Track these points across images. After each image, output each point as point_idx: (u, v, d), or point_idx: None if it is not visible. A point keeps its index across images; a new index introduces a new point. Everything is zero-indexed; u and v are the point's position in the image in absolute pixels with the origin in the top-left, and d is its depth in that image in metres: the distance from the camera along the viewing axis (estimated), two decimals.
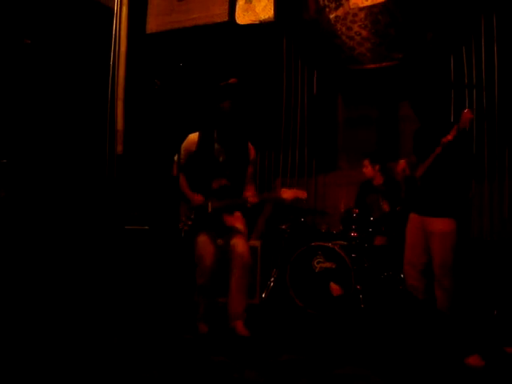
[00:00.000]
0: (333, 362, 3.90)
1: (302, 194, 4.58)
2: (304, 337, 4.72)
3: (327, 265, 5.65)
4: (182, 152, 4.66)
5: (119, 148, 6.76)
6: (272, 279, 6.02)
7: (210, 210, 4.64)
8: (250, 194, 4.72)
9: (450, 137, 4.28)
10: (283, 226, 6.19)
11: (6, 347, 3.97)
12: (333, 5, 6.45)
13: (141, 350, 4.13)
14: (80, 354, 3.95)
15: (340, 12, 6.42)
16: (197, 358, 4.00)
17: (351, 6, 6.27)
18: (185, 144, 4.72)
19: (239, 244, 4.68)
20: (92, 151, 6.66)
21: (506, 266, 5.38)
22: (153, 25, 7.21)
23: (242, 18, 6.66)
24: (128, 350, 4.11)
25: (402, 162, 4.68)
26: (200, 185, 4.70)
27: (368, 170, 6.27)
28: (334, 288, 5.50)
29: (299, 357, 4.02)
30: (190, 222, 4.64)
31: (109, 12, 6.95)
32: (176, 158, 4.74)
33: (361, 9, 6.23)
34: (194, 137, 4.75)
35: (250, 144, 4.90)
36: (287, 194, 4.55)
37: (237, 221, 4.78)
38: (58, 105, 6.38)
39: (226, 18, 6.73)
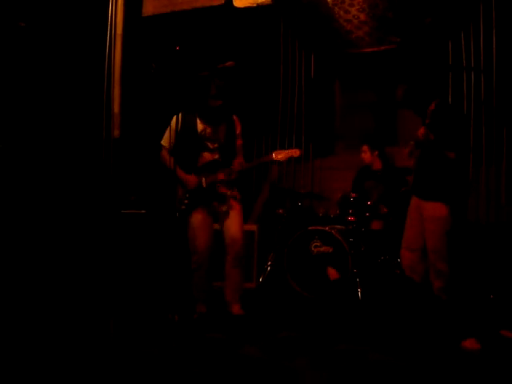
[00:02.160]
0: (331, 340, 3.93)
1: (295, 153, 4.69)
2: (301, 318, 4.76)
3: (324, 249, 5.66)
4: (168, 133, 4.74)
5: (116, 132, 6.73)
6: (269, 263, 6.03)
7: (204, 185, 4.68)
8: (241, 161, 4.78)
9: (422, 130, 4.34)
10: (280, 210, 6.20)
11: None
12: None
13: (139, 332, 4.16)
14: (77, 336, 3.97)
15: None
16: (196, 335, 4.03)
17: None
18: (170, 125, 4.75)
19: (233, 228, 4.72)
20: (88, 135, 6.63)
21: (502, 250, 5.39)
22: (149, 7, 7.15)
23: (240, 0, 6.61)
24: (125, 332, 4.13)
25: (411, 145, 4.65)
26: (189, 162, 4.72)
27: (367, 155, 6.27)
28: (331, 272, 5.51)
29: (298, 334, 4.04)
30: (186, 201, 4.66)
31: None
32: (163, 142, 4.78)
33: None
34: (174, 118, 4.74)
35: (235, 117, 4.93)
36: (280, 155, 4.66)
37: (233, 203, 4.80)
38: (54, 88, 6.34)
39: (222, 1, 6.68)
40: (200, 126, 4.77)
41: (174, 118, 4.73)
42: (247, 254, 5.47)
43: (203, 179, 4.67)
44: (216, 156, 4.74)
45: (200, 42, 6.96)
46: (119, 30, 6.77)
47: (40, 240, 5.82)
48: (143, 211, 6.03)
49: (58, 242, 5.94)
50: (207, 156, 4.74)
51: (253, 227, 6.20)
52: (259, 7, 6.62)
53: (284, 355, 3.58)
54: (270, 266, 6.01)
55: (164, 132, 4.86)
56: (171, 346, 3.72)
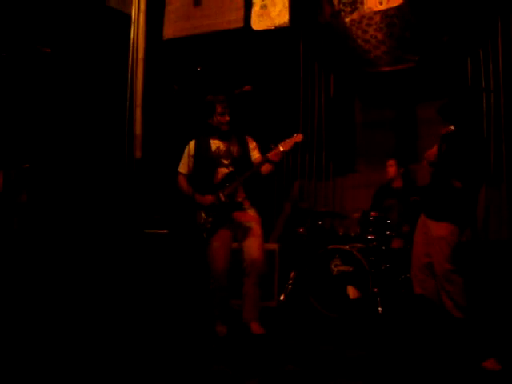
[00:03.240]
0: (331, 374, 3.87)
1: (298, 138, 4.68)
2: (317, 342, 4.70)
3: (345, 268, 5.66)
4: (184, 159, 4.88)
5: (138, 153, 6.85)
6: (290, 282, 6.05)
7: (223, 198, 4.72)
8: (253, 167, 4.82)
9: (434, 149, 4.35)
10: (301, 229, 6.22)
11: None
12: (348, 8, 6.46)
13: (157, 352, 4.21)
14: (98, 357, 4.04)
15: (355, 16, 6.43)
16: (200, 366, 4.03)
17: (366, 10, 6.28)
18: (185, 152, 4.89)
19: (253, 248, 4.71)
20: (111, 156, 6.74)
21: None
22: (169, 31, 7.28)
23: (258, 23, 6.70)
24: (144, 353, 4.18)
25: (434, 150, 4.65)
26: (206, 182, 4.79)
27: (392, 169, 6.30)
28: (352, 291, 5.52)
29: (302, 368, 4.01)
30: (210, 219, 4.70)
31: (127, 19, 7.03)
32: (180, 169, 4.89)
33: (376, 12, 6.24)
34: (189, 144, 4.90)
35: (247, 137, 4.99)
36: (285, 146, 4.64)
37: (252, 220, 4.83)
38: (78, 111, 6.48)
39: (241, 24, 6.77)
40: (213, 145, 4.86)
41: (189, 145, 4.87)
42: (268, 272, 5.50)
43: (220, 194, 4.72)
44: (230, 169, 4.80)
45: (220, 64, 7.05)
46: (141, 54, 6.93)
47: (65, 258, 5.92)
48: (165, 231, 6.11)
49: (83, 260, 6.04)
50: (222, 171, 4.80)
51: (274, 246, 6.23)
52: (277, 29, 6.70)
53: None
54: (290, 284, 6.04)
55: (181, 158, 4.95)
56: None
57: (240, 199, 4.82)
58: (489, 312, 4.98)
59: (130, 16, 7.06)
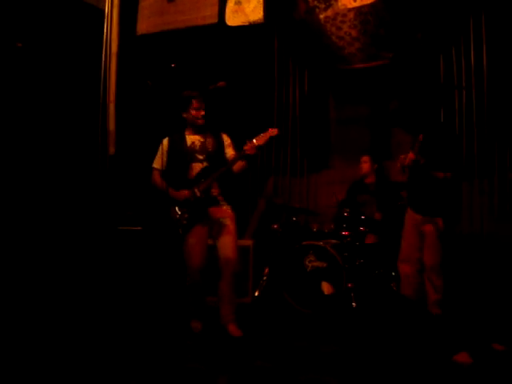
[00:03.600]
0: (303, 369, 3.90)
1: (273, 132, 4.67)
2: (290, 338, 4.71)
3: (319, 264, 5.68)
4: (159, 155, 4.86)
5: (111, 149, 6.79)
6: (264, 278, 6.06)
7: (198, 194, 4.72)
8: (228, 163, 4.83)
9: (411, 155, 4.41)
10: (275, 226, 6.23)
11: None
12: (322, 5, 6.47)
13: (130, 348, 4.19)
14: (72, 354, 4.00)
15: (330, 12, 6.44)
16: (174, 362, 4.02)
17: (340, 7, 6.30)
18: (159, 148, 4.88)
19: (227, 247, 4.74)
20: (84, 152, 6.68)
21: (496, 263, 5.44)
22: (143, 26, 7.22)
23: (232, 19, 6.68)
24: (117, 349, 4.16)
25: (401, 158, 4.72)
26: (181, 177, 4.79)
27: (366, 165, 6.33)
28: (326, 286, 5.54)
29: (271, 364, 4.02)
30: (186, 215, 4.70)
31: (100, 14, 6.97)
32: (155, 165, 4.89)
33: (350, 9, 6.25)
34: (164, 140, 4.90)
35: (223, 133, 5.00)
36: (260, 140, 4.64)
37: (226, 216, 4.84)
38: (50, 106, 6.40)
39: (215, 20, 6.74)
40: (188, 140, 4.86)
41: (164, 141, 4.86)
42: (243, 268, 5.50)
43: (195, 189, 4.72)
44: (205, 164, 4.81)
45: (195, 60, 7.02)
46: (114, 49, 6.87)
47: (36, 256, 5.85)
48: (139, 228, 6.07)
49: (55, 257, 5.97)
50: (197, 166, 4.80)
51: (248, 242, 6.23)
52: (252, 26, 6.69)
53: None
54: (265, 280, 6.05)
55: (155, 153, 4.93)
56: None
57: (215, 195, 4.83)
58: (462, 306, 5.04)
59: (103, 11, 6.99)
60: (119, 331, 4.72)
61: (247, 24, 6.65)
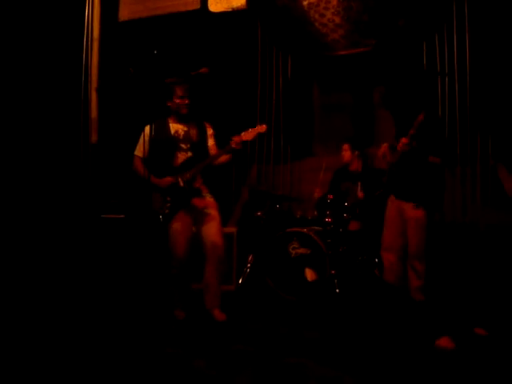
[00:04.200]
0: (286, 353, 3.90)
1: (261, 129, 4.71)
2: (274, 324, 4.72)
3: (302, 250, 5.69)
4: (141, 142, 4.77)
5: (94, 137, 6.74)
6: (248, 265, 6.06)
7: (182, 184, 4.70)
8: (212, 155, 4.85)
9: (405, 140, 4.40)
10: (259, 213, 6.22)
11: None
12: None
13: (112, 337, 4.18)
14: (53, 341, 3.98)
15: None
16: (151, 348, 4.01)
17: None
18: (142, 135, 4.76)
19: (211, 233, 4.75)
20: (66, 140, 6.62)
21: (477, 249, 5.48)
22: (125, 12, 7.15)
23: (215, 5, 6.64)
24: (99, 337, 4.15)
25: (384, 146, 4.75)
26: (164, 165, 4.76)
27: (347, 154, 6.31)
28: (309, 273, 5.55)
29: (252, 348, 4.03)
30: (168, 204, 4.69)
31: None
32: (136, 152, 4.84)
33: None
34: (146, 127, 4.70)
35: (206, 123, 5.00)
36: (248, 135, 4.68)
37: (209, 206, 4.85)
38: (30, 94, 6.33)
39: (198, 6, 6.70)
40: (172, 128, 4.84)
41: (147, 128, 4.71)
42: (226, 256, 5.49)
43: (179, 178, 4.70)
44: (189, 154, 4.80)
45: (177, 46, 6.97)
46: (96, 34, 6.81)
47: (18, 244, 5.81)
48: (122, 216, 6.04)
49: (36, 247, 5.93)
50: (181, 156, 4.79)
51: (232, 230, 6.23)
52: (235, 11, 6.65)
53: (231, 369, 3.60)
54: (249, 268, 6.04)
55: (138, 141, 4.89)
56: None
57: (198, 185, 4.81)
58: (444, 292, 5.08)
59: None
60: (103, 320, 4.70)
61: (230, 10, 6.61)
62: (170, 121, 4.86)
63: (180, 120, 4.85)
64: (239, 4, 6.55)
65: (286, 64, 7.22)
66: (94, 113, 6.80)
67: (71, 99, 6.72)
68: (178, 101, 4.76)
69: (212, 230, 4.76)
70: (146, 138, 4.67)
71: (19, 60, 6.22)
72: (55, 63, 6.54)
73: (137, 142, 4.90)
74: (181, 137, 4.82)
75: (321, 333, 4.37)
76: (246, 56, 7.16)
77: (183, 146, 4.81)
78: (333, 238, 5.76)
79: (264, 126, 4.74)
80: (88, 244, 5.91)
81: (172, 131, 4.83)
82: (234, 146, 4.65)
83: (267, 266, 5.81)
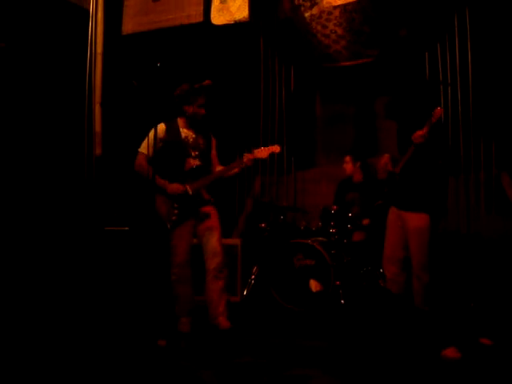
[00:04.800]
0: (292, 364, 3.90)
1: (276, 149, 4.78)
2: (279, 336, 4.73)
3: (307, 262, 5.69)
4: (150, 141, 4.64)
5: (98, 150, 6.76)
6: (253, 277, 6.06)
7: (191, 192, 4.70)
8: (224, 168, 4.89)
9: (421, 132, 4.34)
10: (263, 224, 6.22)
11: None
12: (308, 3, 6.48)
13: (123, 348, 4.18)
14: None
15: (315, 11, 6.45)
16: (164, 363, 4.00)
17: (325, 5, 6.30)
18: (152, 133, 4.63)
19: (212, 241, 4.75)
20: (70, 154, 6.64)
21: (482, 259, 5.46)
22: (128, 26, 7.18)
23: (217, 18, 6.66)
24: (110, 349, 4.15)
25: (385, 157, 4.74)
26: (174, 169, 4.75)
27: (349, 166, 6.32)
28: (314, 284, 5.55)
29: (259, 360, 4.03)
30: (176, 211, 4.68)
31: (85, 14, 6.92)
32: (142, 149, 4.78)
33: (335, 7, 6.26)
34: (159, 126, 4.69)
35: (210, 133, 5.04)
36: (261, 153, 4.75)
37: (211, 215, 4.84)
38: (35, 107, 6.35)
39: (201, 19, 6.72)
40: (183, 133, 4.83)
41: (158, 126, 4.65)
42: (231, 267, 5.50)
43: (188, 187, 4.69)
44: (197, 162, 4.80)
45: (180, 59, 7.00)
46: (99, 49, 6.83)
47: (23, 256, 5.81)
48: (126, 228, 6.04)
49: (41, 258, 5.94)
50: (190, 162, 4.78)
51: (236, 241, 6.24)
52: (237, 24, 6.68)
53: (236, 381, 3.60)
54: (253, 279, 6.04)
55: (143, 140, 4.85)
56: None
57: (206, 196, 4.84)
58: (449, 302, 5.06)
59: (88, 11, 6.95)
60: (106, 331, 4.69)
61: (232, 22, 6.63)
62: (180, 124, 4.85)
63: (190, 126, 4.85)
64: (242, 17, 6.57)
65: (289, 75, 7.26)
66: (97, 126, 6.81)
67: (75, 113, 6.74)
68: (197, 109, 4.76)
69: (213, 239, 4.76)
70: (158, 138, 4.58)
71: (24, 75, 6.25)
72: (60, 78, 6.56)
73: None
74: (189, 143, 4.82)
75: (326, 343, 4.36)
76: (249, 68, 7.20)
77: (192, 152, 4.81)
78: (337, 249, 5.77)
79: (278, 146, 4.80)
80: (91, 256, 5.91)
81: (182, 135, 4.82)
82: (246, 162, 4.70)
83: (272, 278, 5.81)
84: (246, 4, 6.56)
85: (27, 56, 6.27)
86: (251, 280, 6.05)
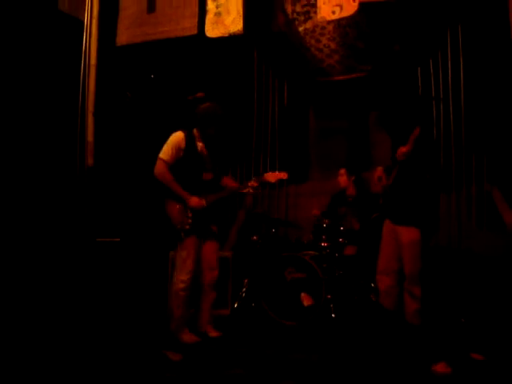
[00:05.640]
0: (281, 377, 3.87)
1: (284, 176, 4.99)
2: (269, 349, 4.68)
3: (298, 275, 5.67)
4: (173, 149, 4.80)
5: (90, 160, 6.75)
6: (244, 290, 6.03)
7: (205, 205, 4.82)
8: (238, 185, 5.09)
9: (404, 149, 4.39)
10: (254, 237, 6.21)
11: None
12: (302, 18, 6.51)
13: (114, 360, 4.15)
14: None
15: (309, 25, 6.48)
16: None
17: (319, 19, 6.33)
18: (174, 141, 4.83)
19: (210, 253, 4.96)
20: (63, 164, 6.63)
21: (473, 274, 5.47)
22: (123, 37, 7.19)
23: (212, 31, 6.68)
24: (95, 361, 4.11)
25: (379, 170, 4.75)
26: (190, 180, 4.82)
27: (343, 178, 6.33)
28: (305, 298, 5.52)
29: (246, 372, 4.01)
30: (189, 221, 4.76)
31: (79, 25, 6.94)
32: (163, 156, 4.80)
33: (329, 22, 6.29)
34: (180, 134, 4.86)
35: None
36: (271, 177, 4.97)
37: (213, 228, 5.05)
38: (28, 117, 6.35)
39: (195, 31, 6.74)
40: (199, 146, 4.93)
41: (178, 134, 4.84)
42: (222, 280, 5.48)
43: (204, 200, 4.81)
44: (211, 176, 4.94)
45: (174, 71, 7.02)
46: (93, 61, 6.85)
47: (14, 268, 5.78)
48: (118, 239, 6.03)
49: (33, 270, 5.91)
50: (206, 176, 4.91)
51: (227, 254, 6.21)
52: (232, 37, 6.70)
53: None
54: (244, 292, 6.01)
55: (162, 146, 4.88)
56: None
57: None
58: (440, 316, 5.06)
59: (82, 22, 6.97)
60: (99, 344, 4.66)
61: (227, 35, 6.65)
62: (196, 136, 4.94)
63: (204, 139, 4.94)
64: (236, 30, 6.59)
65: (283, 89, 7.28)
66: (90, 136, 6.82)
67: (68, 123, 6.73)
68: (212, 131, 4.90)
69: (211, 252, 4.96)
70: (180, 147, 4.79)
71: (17, 85, 6.25)
72: (53, 88, 6.56)
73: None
74: (204, 156, 4.93)
75: (316, 357, 4.34)
76: (243, 81, 7.22)
77: (207, 165, 4.93)
78: (329, 263, 5.75)
79: (286, 174, 4.99)
80: (83, 267, 5.89)
81: (198, 148, 4.91)
82: (255, 184, 4.94)
83: (263, 291, 5.78)
84: (241, 17, 6.59)
85: (21, 67, 6.26)
86: (242, 293, 6.02)
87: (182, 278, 4.75)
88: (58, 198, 6.49)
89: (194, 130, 4.93)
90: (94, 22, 6.97)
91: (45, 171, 6.41)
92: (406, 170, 4.50)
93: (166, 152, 4.80)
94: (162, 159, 4.79)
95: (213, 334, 4.90)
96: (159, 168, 4.80)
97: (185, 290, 4.75)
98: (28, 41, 6.35)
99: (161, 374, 3.90)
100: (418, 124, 4.46)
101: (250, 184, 4.96)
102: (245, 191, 5.01)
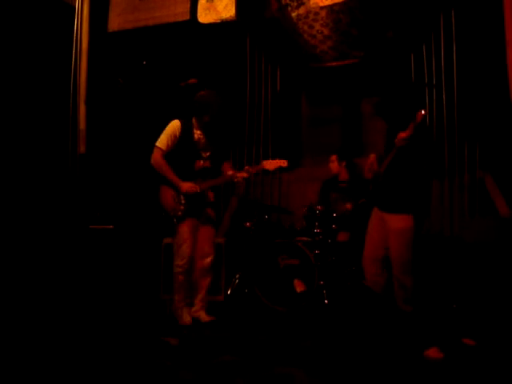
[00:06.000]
0: (274, 363, 3.85)
1: (283, 163, 4.97)
2: (262, 335, 4.69)
3: (291, 261, 5.69)
4: (168, 137, 4.88)
5: (82, 147, 6.73)
6: (237, 276, 6.04)
7: (199, 191, 4.87)
8: (234, 172, 5.04)
9: (403, 134, 4.34)
10: (248, 224, 6.22)
11: None
12: (294, 3, 6.48)
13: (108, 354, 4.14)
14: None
15: (302, 10, 6.46)
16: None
17: (312, 5, 6.31)
18: (170, 129, 4.92)
19: (206, 239, 5.03)
20: (54, 151, 6.60)
21: (465, 261, 5.49)
22: (114, 23, 7.16)
23: (204, 16, 6.65)
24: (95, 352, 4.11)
25: (372, 157, 4.74)
26: (184, 169, 4.88)
27: (334, 165, 6.32)
28: (298, 284, 5.54)
29: (239, 358, 4.02)
30: (182, 207, 4.83)
31: (70, 10, 6.89)
32: (160, 144, 4.88)
33: (322, 7, 6.27)
34: (176, 123, 4.94)
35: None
36: (269, 165, 4.95)
37: (211, 215, 5.12)
38: (19, 104, 6.31)
39: (187, 17, 6.72)
40: (196, 134, 4.97)
41: (174, 123, 4.91)
42: (215, 266, 5.49)
43: (198, 186, 4.85)
44: (207, 164, 4.98)
45: (167, 57, 6.98)
46: (85, 46, 6.80)
47: (6, 255, 5.77)
48: (111, 226, 6.02)
49: (25, 257, 5.90)
50: (201, 163, 4.94)
51: (220, 240, 6.20)
52: (224, 23, 6.67)
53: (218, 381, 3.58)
54: (237, 278, 6.03)
55: (159, 134, 4.97)
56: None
57: (212, 198, 5.09)
58: (432, 302, 5.08)
59: (73, 7, 6.92)
60: (92, 333, 4.65)
61: (219, 21, 6.63)
62: (194, 125, 4.98)
63: (203, 128, 4.98)
64: (228, 15, 6.57)
65: (275, 75, 7.25)
66: (82, 124, 6.80)
67: (60, 110, 6.70)
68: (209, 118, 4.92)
69: (207, 238, 5.03)
70: (175, 135, 4.86)
71: (7, 71, 6.20)
72: (44, 75, 6.52)
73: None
74: (200, 144, 4.97)
75: (309, 343, 4.36)
76: (235, 67, 7.19)
77: (203, 154, 4.96)
78: (321, 249, 5.76)
79: (286, 161, 4.97)
80: (77, 255, 5.88)
81: (195, 136, 4.95)
82: (252, 171, 5.02)
83: (256, 277, 5.80)
84: (233, 3, 6.58)
85: (11, 51, 6.22)
86: (235, 279, 6.03)
87: (177, 263, 4.89)
88: (50, 185, 6.47)
89: (193, 119, 4.99)
90: (86, 7, 6.93)
91: (36, 159, 6.39)
92: (403, 155, 4.48)
93: (161, 140, 4.91)
94: (157, 147, 4.90)
95: (205, 318, 4.95)
96: (154, 156, 4.90)
97: (182, 273, 4.88)
98: (18, 26, 6.30)
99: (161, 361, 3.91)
100: (413, 115, 4.43)
101: (242, 174, 4.95)
102: (236, 180, 5.02)
